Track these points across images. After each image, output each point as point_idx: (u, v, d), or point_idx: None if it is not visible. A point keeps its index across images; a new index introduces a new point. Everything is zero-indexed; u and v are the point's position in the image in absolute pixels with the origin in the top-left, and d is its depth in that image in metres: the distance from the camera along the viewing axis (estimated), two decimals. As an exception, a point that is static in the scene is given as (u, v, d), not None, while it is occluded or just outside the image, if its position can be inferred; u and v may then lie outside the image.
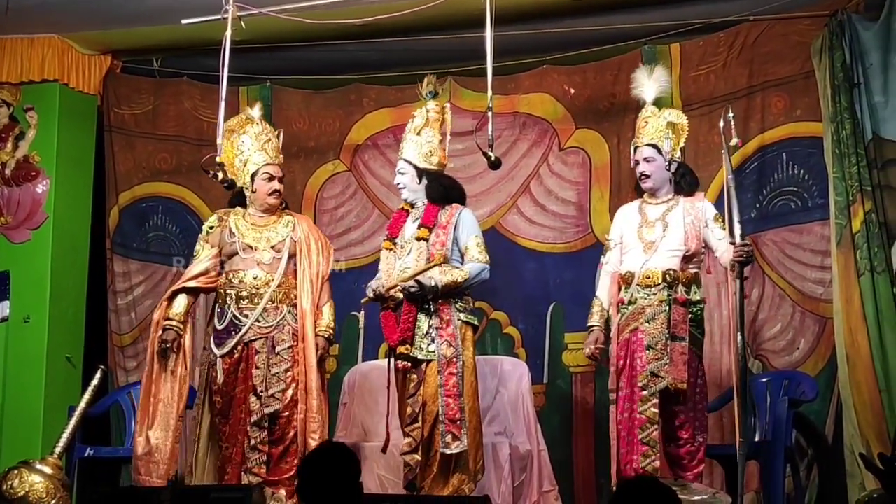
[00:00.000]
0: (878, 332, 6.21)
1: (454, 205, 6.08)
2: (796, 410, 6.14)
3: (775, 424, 6.03)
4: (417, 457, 5.82)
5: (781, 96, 6.97)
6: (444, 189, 6.10)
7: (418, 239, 5.95)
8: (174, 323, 6.19)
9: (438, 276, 5.80)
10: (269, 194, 6.25)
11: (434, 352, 5.80)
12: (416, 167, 6.08)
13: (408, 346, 5.82)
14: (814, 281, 6.74)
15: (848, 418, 6.22)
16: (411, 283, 5.79)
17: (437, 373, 5.78)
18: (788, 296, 6.81)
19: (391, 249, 6.11)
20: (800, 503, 6.30)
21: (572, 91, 7.55)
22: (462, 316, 5.91)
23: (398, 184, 6.13)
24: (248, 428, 6.01)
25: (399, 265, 5.99)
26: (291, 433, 6.06)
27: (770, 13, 6.97)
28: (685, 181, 6.08)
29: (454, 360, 5.79)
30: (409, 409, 5.85)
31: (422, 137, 6.11)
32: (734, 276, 5.61)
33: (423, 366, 5.82)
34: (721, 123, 5.76)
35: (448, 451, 5.70)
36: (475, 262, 5.93)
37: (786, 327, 6.79)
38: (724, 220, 5.89)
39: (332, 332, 6.25)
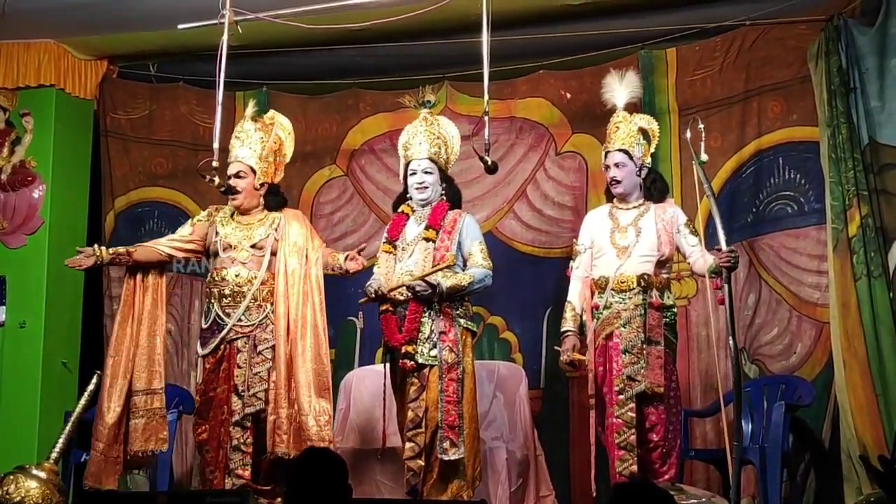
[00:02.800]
0: (874, 336, 6.22)
1: (457, 210, 6.10)
2: (793, 415, 6.14)
3: (772, 429, 6.03)
4: (421, 462, 5.81)
5: (778, 101, 6.99)
6: (458, 192, 6.16)
7: (426, 240, 5.95)
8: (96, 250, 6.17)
9: (443, 280, 5.81)
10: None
11: (436, 356, 5.80)
12: (440, 168, 6.10)
13: (413, 346, 5.81)
14: (810, 285, 6.75)
15: (844, 422, 6.22)
16: (419, 282, 5.79)
17: (438, 378, 5.77)
18: (785, 300, 6.82)
19: (391, 252, 6.10)
20: (796, 508, 6.31)
21: (569, 96, 7.56)
22: (462, 322, 5.93)
23: (422, 183, 6.08)
24: (231, 428, 6.00)
25: (399, 268, 5.99)
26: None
27: (766, 18, 6.98)
28: (655, 187, 6.14)
29: (455, 366, 5.79)
30: (411, 414, 5.83)
31: (440, 140, 6.12)
32: (716, 282, 5.66)
33: (426, 370, 5.82)
34: (688, 134, 5.78)
35: (446, 458, 5.70)
36: (479, 267, 5.94)
37: (782, 332, 6.80)
38: (694, 227, 5.97)
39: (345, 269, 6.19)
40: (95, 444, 6.00)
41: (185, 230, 6.37)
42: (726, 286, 5.45)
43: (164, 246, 6.28)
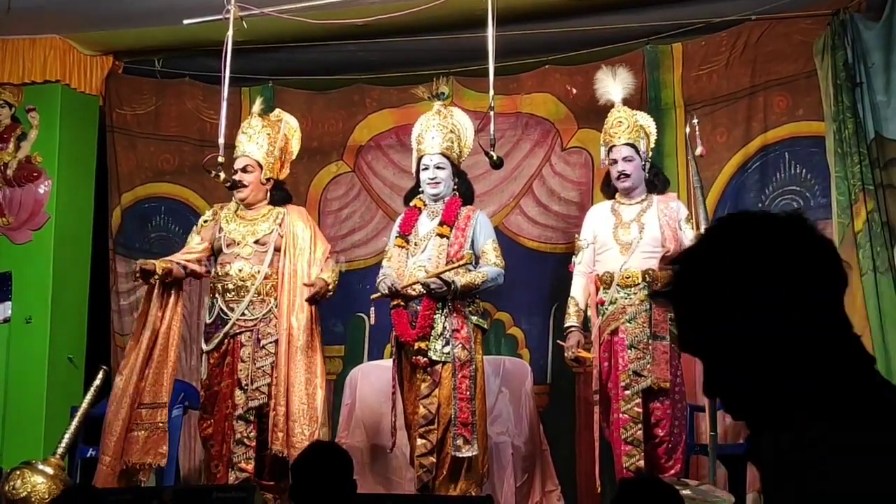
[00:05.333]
0: (880, 331, 6.21)
1: (469, 206, 6.10)
2: (799, 410, 6.14)
3: (778, 424, 6.02)
4: (433, 459, 5.80)
5: (784, 96, 6.98)
6: (470, 187, 6.16)
7: (439, 235, 5.94)
8: (154, 261, 6.15)
9: (457, 278, 5.80)
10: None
11: (449, 353, 5.79)
12: (452, 163, 6.09)
13: (426, 342, 5.81)
14: (816, 280, 6.72)
15: (850, 418, 6.21)
16: (434, 280, 5.79)
17: (451, 375, 5.77)
18: (791, 295, 6.80)
19: (403, 247, 6.08)
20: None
21: (574, 91, 7.54)
22: (474, 319, 5.93)
23: (434, 178, 6.07)
24: (234, 422, 6.01)
25: (412, 262, 5.98)
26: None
27: (772, 13, 6.97)
28: (658, 180, 6.14)
29: (468, 363, 5.79)
30: (423, 411, 5.81)
31: (453, 134, 6.11)
32: None
33: (439, 367, 5.81)
34: (686, 129, 5.80)
35: (460, 455, 5.70)
36: (492, 266, 5.94)
37: (788, 327, 6.79)
38: (693, 220, 5.96)
39: (334, 282, 6.13)
40: (103, 458, 6.05)
41: (195, 241, 6.37)
42: None
43: (190, 263, 6.30)
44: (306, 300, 6.02)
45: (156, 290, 6.22)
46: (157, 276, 6.09)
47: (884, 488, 1.55)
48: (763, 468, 1.76)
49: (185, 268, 6.28)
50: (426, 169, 6.09)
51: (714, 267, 1.73)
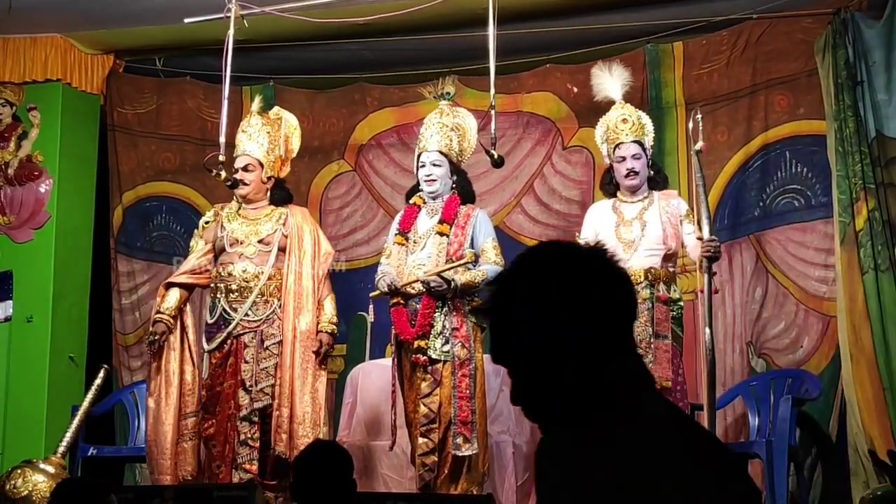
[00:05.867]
0: (881, 329, 6.22)
1: (469, 204, 6.09)
2: (800, 409, 6.13)
3: (779, 423, 6.02)
4: (435, 458, 5.78)
5: (785, 94, 6.98)
6: (469, 187, 6.14)
7: (439, 233, 5.93)
8: (164, 316, 6.17)
9: (457, 276, 5.79)
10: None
11: (448, 352, 5.78)
12: (451, 161, 6.08)
13: (426, 340, 5.80)
14: (817, 279, 6.74)
15: (852, 416, 6.22)
16: (434, 278, 5.78)
17: (451, 374, 5.77)
18: (792, 294, 6.81)
19: (403, 245, 6.07)
20: (803, 502, 6.29)
21: (575, 90, 7.53)
22: (473, 317, 5.90)
23: (430, 175, 6.03)
24: (238, 423, 6.00)
25: (411, 260, 5.97)
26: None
27: (773, 11, 6.98)
28: (659, 177, 6.11)
29: (467, 361, 5.77)
30: (424, 409, 5.78)
31: (454, 133, 6.10)
32: (703, 271, 5.61)
33: (439, 366, 5.80)
34: (689, 124, 5.78)
35: (460, 453, 5.68)
36: (492, 264, 5.91)
37: (789, 325, 6.79)
38: (694, 216, 5.90)
39: (334, 326, 6.19)
40: (161, 478, 6.06)
41: (199, 245, 6.36)
42: (706, 276, 5.45)
43: (195, 278, 6.32)
44: (314, 352, 6.07)
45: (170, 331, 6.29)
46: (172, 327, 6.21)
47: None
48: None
49: (189, 288, 6.34)
50: (423, 166, 6.08)
51: (522, 290, 2.01)
